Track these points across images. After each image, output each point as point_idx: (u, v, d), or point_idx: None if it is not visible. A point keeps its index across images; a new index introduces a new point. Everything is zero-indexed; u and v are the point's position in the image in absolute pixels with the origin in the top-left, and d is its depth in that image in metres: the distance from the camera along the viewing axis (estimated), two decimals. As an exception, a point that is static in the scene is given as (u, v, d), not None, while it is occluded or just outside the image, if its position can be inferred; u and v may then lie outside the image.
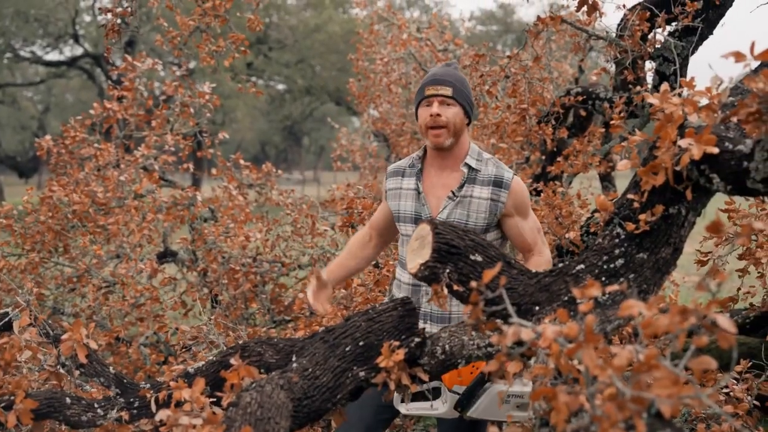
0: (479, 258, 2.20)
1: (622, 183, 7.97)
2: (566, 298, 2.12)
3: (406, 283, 2.92)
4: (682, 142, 1.96)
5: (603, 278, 2.12)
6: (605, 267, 2.13)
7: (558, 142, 5.46)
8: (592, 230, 4.01)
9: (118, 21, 4.50)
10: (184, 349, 3.72)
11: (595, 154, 4.60)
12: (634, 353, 1.49)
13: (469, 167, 2.87)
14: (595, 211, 4.16)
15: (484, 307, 1.69)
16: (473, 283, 1.62)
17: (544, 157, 5.48)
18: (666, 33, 4.29)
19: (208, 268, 5.19)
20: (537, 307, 2.14)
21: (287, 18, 26.08)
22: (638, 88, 5.05)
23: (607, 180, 6.30)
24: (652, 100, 2.14)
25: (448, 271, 2.18)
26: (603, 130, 4.77)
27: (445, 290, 2.20)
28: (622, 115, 4.80)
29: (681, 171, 2.03)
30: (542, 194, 4.09)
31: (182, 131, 6.05)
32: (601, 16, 3.95)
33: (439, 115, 2.79)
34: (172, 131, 5.96)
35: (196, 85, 6.34)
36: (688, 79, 2.17)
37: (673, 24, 4.36)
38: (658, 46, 4.30)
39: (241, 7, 8.77)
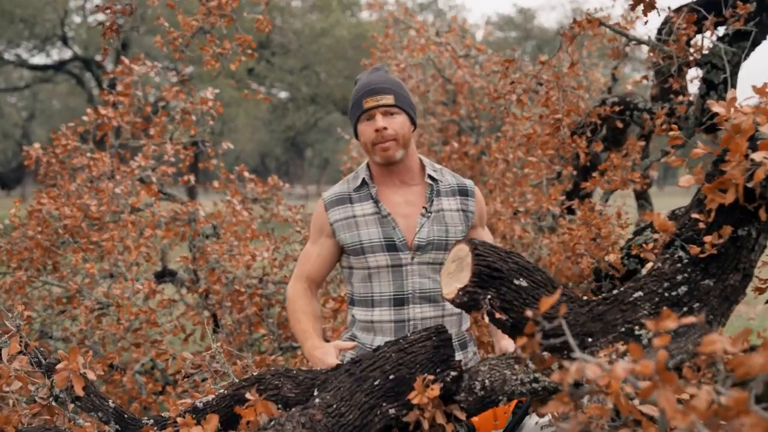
0: (524, 283, 2.13)
1: (659, 202, 7.89)
2: (623, 329, 2.04)
3: (388, 321, 2.76)
4: (756, 156, 1.88)
5: (664, 306, 2.04)
6: (666, 295, 2.05)
7: (591, 156, 5.38)
8: (633, 253, 3.92)
9: (118, 19, 4.45)
10: (185, 378, 3.64)
11: (635, 170, 4.52)
12: (713, 395, 1.41)
13: (432, 178, 2.82)
14: (638, 231, 4.07)
15: (541, 339, 1.60)
16: (528, 312, 1.54)
17: (576, 173, 5.40)
18: (714, 37, 4.22)
19: (211, 289, 5.11)
20: (590, 339, 2.06)
21: (292, 21, 26.16)
22: (680, 97, 4.99)
23: (643, 198, 6.20)
24: (718, 108, 2.06)
25: (489, 297, 2.11)
26: (642, 143, 4.68)
27: (486, 318, 2.12)
28: (664, 126, 4.73)
29: (753, 188, 1.96)
30: (578, 212, 4.01)
31: (182, 140, 6.00)
32: (647, 14, 3.88)
33: (385, 128, 2.70)
34: (171, 140, 5.91)
35: (198, 91, 6.30)
36: (738, 88, 2.10)
37: (722, 28, 4.29)
38: (705, 51, 4.22)
39: (246, 7, 8.75)
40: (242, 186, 6.60)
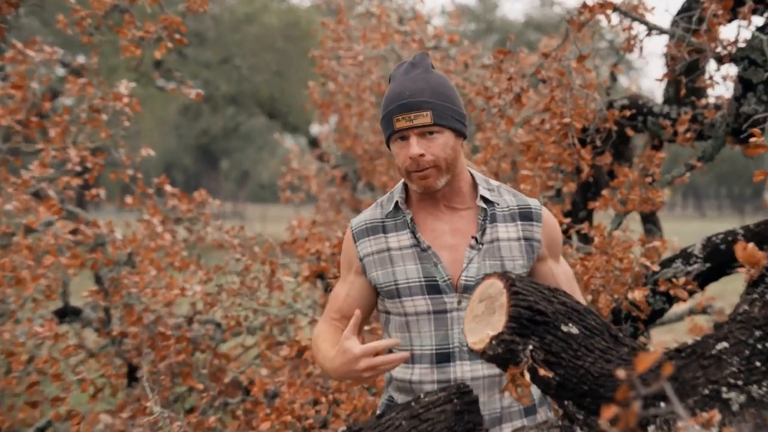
0: (574, 329, 1.98)
1: (669, 226, 7.89)
2: (707, 391, 1.89)
3: (430, 382, 2.57)
4: None
5: (757, 362, 1.91)
6: (759, 347, 1.92)
7: (595, 170, 5.31)
8: (661, 289, 3.82)
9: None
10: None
11: (655, 188, 4.43)
12: None
13: (486, 200, 2.67)
14: (665, 263, 3.97)
15: (641, 409, 1.44)
16: (620, 372, 1.37)
17: (575, 190, 5.31)
18: (753, 27, 4.17)
19: (127, 331, 4.87)
20: (663, 403, 1.91)
21: (209, 5, 25.93)
22: (704, 100, 4.94)
23: (650, 221, 6.14)
24: None
25: (531, 347, 1.95)
26: (662, 155, 4.61)
27: (527, 376, 1.96)
28: (688, 135, 4.66)
29: None
30: (596, 239, 3.89)
31: (88, 145, 5.76)
32: None
33: (422, 155, 2.53)
34: (75, 144, 5.66)
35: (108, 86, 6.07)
36: None
37: (764, 16, 4.25)
38: (741, 44, 4.17)
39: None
40: (162, 202, 6.37)
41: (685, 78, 4.50)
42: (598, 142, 4.56)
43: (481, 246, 2.61)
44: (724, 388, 1.89)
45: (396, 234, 2.65)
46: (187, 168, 54.50)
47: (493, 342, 1.95)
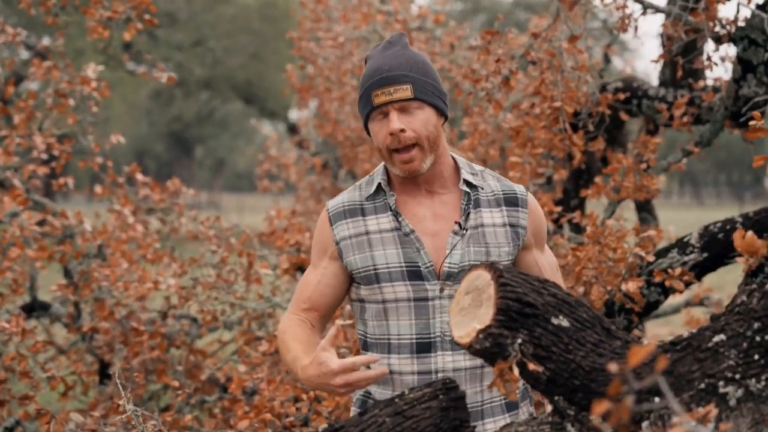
0: (565, 322, 2.00)
1: (665, 215, 7.92)
2: (702, 385, 1.91)
3: (410, 373, 2.59)
4: None
5: (756, 355, 1.93)
6: (758, 339, 1.94)
7: (587, 157, 5.33)
8: (657, 280, 3.85)
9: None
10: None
11: (650, 174, 4.46)
12: None
13: (469, 184, 2.69)
14: (660, 253, 4.00)
15: (633, 404, 1.46)
16: (612, 366, 1.39)
17: (566, 177, 5.33)
18: (753, 5, 4.19)
19: (98, 327, 4.87)
20: (657, 398, 1.93)
21: (181, -17, 25.86)
22: (701, 83, 4.97)
23: (646, 210, 6.18)
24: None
25: (520, 341, 1.96)
26: (658, 140, 4.63)
27: (516, 371, 1.98)
28: (685, 119, 4.69)
29: None
30: (588, 228, 3.91)
31: (55, 132, 5.75)
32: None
33: (402, 130, 2.54)
34: (41, 131, 5.64)
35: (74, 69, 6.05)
36: None
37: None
38: (741, 23, 4.19)
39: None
40: (133, 192, 6.36)
41: (682, 59, 4.51)
42: (591, 127, 4.58)
43: (464, 232, 2.63)
44: (720, 382, 1.91)
45: (375, 217, 2.65)
46: (160, 156, 54.36)
47: (481, 336, 1.96)
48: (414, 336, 2.58)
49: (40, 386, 4.42)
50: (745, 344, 1.95)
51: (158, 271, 5.30)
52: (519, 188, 2.74)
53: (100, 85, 5.72)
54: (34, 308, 5.40)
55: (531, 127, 4.46)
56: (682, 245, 4.00)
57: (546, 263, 2.80)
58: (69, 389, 4.56)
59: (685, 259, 3.95)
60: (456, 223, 2.62)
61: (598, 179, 4.68)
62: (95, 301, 4.99)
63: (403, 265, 2.59)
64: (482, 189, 2.68)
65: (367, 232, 2.64)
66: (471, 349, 2.00)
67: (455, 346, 2.54)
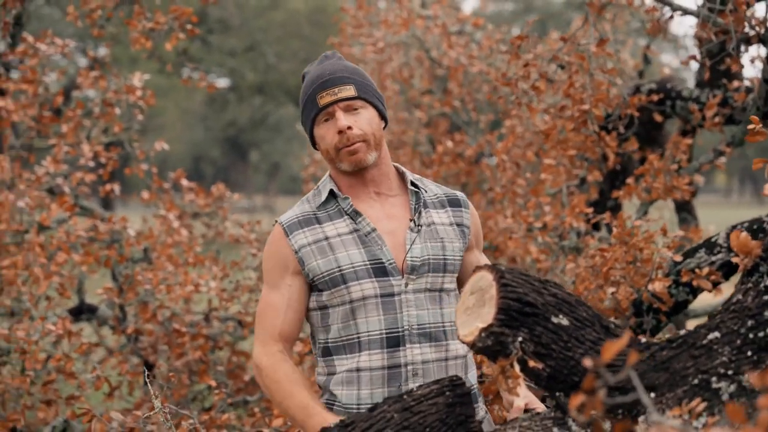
0: (565, 321, 2.07)
1: (724, 214, 7.86)
2: (696, 381, 1.98)
3: (379, 368, 2.65)
4: None
5: (749, 351, 1.99)
6: (751, 336, 2.00)
7: (623, 158, 5.36)
8: (684, 280, 3.88)
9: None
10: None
11: (681, 175, 4.49)
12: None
13: (415, 186, 2.81)
14: (688, 252, 4.03)
15: (606, 397, 1.53)
16: (587, 361, 1.47)
17: (602, 179, 5.37)
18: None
19: (142, 329, 5.01)
20: (652, 394, 2.00)
21: (233, -10, 26.12)
22: (736, 83, 4.98)
23: (685, 210, 6.19)
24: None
25: (520, 339, 2.04)
26: (690, 141, 4.66)
27: (517, 368, 2.06)
28: (717, 120, 4.71)
29: None
30: (614, 229, 3.96)
31: (103, 140, 5.91)
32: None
33: (350, 127, 2.66)
34: (89, 139, 5.81)
35: (122, 77, 6.21)
36: None
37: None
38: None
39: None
40: (179, 197, 6.51)
41: (711, 61, 4.54)
42: (622, 129, 4.62)
43: (419, 228, 2.73)
44: (714, 378, 1.98)
45: (332, 223, 2.71)
46: (216, 160, 54.78)
47: (483, 334, 2.05)
48: (384, 331, 2.64)
49: (85, 386, 4.56)
50: (738, 341, 2.01)
51: (200, 274, 5.43)
52: (459, 193, 2.90)
53: (146, 94, 5.87)
54: (82, 311, 5.56)
55: (563, 129, 4.51)
56: (709, 245, 4.02)
57: (485, 261, 2.92)
58: (114, 389, 4.70)
59: (713, 258, 3.97)
60: (411, 220, 2.72)
61: (630, 180, 4.71)
62: (139, 303, 5.13)
63: (368, 262, 2.66)
64: (426, 192, 2.81)
65: (326, 237, 2.69)
66: (474, 347, 2.08)
67: (422, 339, 2.64)
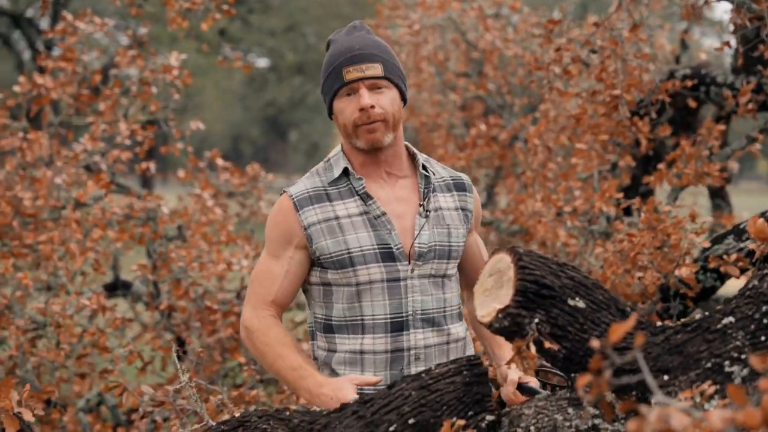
0: (581, 303, 2.10)
1: (739, 201, 7.84)
2: (709, 365, 2.01)
3: (382, 352, 2.69)
4: None
5: (762, 336, 2.02)
6: (765, 321, 2.02)
7: (656, 144, 5.36)
8: (712, 266, 3.89)
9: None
10: (142, 418, 3.61)
11: (712, 160, 4.49)
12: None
13: (425, 169, 2.81)
14: (717, 239, 4.04)
15: (612, 377, 1.57)
16: (594, 342, 1.50)
17: (634, 164, 5.37)
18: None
19: (175, 305, 5.09)
20: (666, 376, 2.03)
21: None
22: (770, 70, 4.95)
23: (719, 196, 6.18)
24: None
25: (537, 321, 2.08)
26: (722, 127, 4.65)
27: (533, 348, 2.09)
28: (750, 106, 4.70)
29: None
30: (642, 214, 3.98)
31: (140, 118, 5.99)
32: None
33: (372, 106, 2.62)
34: (126, 118, 5.89)
35: (158, 56, 6.28)
36: None
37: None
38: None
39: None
40: (214, 176, 6.59)
41: (746, 47, 4.53)
42: (654, 114, 4.62)
43: (428, 213, 2.75)
44: (726, 362, 2.00)
45: (342, 202, 2.71)
46: (255, 140, 54.97)
47: (500, 315, 2.09)
48: (388, 316, 2.68)
49: (119, 361, 4.65)
50: (752, 326, 2.04)
51: (232, 252, 5.50)
52: (464, 176, 2.92)
53: (182, 73, 5.94)
54: (117, 287, 5.66)
55: (595, 113, 4.52)
56: (738, 231, 4.03)
57: (482, 245, 2.97)
58: (147, 365, 4.78)
59: (741, 245, 3.98)
60: (420, 205, 2.74)
61: (661, 166, 4.71)
62: (172, 281, 5.21)
63: (376, 247, 2.67)
64: (434, 175, 2.82)
65: (337, 217, 2.69)
66: (491, 327, 2.12)
67: (425, 324, 2.68)
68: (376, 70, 2.64)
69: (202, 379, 4.75)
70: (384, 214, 2.70)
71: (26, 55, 27.87)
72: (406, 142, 2.85)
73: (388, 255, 2.68)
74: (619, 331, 1.54)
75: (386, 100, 2.64)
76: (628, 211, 5.24)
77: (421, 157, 2.83)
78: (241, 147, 48.86)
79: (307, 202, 2.71)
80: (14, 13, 26.72)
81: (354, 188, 2.72)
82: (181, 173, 6.41)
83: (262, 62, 31.69)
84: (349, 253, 2.67)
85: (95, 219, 5.04)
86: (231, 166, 6.50)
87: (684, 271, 3.83)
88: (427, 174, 2.78)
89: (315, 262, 2.74)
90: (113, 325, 4.70)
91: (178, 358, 5.40)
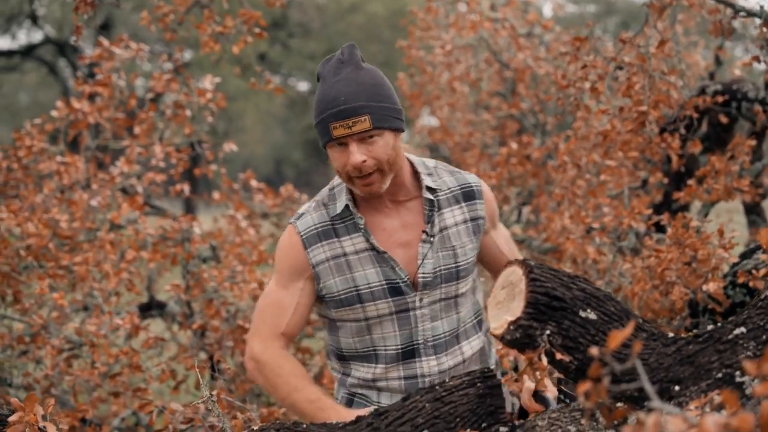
0: (593, 315, 2.12)
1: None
2: (720, 375, 2.01)
3: (396, 379, 2.71)
4: None
5: (772, 347, 2.01)
6: (776, 331, 2.02)
7: (687, 159, 5.34)
8: (740, 281, 3.87)
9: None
10: (173, 437, 3.65)
11: (743, 176, 4.47)
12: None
13: (430, 190, 2.74)
14: (746, 254, 4.02)
15: (609, 385, 1.59)
16: (593, 350, 1.52)
17: (666, 180, 5.36)
18: None
19: (208, 325, 5.14)
20: (677, 387, 2.04)
21: (313, -6, 26.40)
22: (801, 85, 4.93)
23: (754, 212, 6.13)
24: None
25: (548, 333, 2.10)
26: (753, 142, 4.63)
27: (545, 360, 2.11)
28: (780, 122, 4.68)
29: None
30: (669, 230, 3.97)
31: (175, 141, 6.07)
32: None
33: (364, 161, 2.55)
34: (161, 141, 5.97)
35: (194, 81, 6.37)
36: None
37: None
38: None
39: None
40: (249, 197, 6.65)
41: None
42: (683, 130, 4.61)
43: (432, 239, 2.71)
44: (737, 372, 2.01)
45: (349, 237, 2.68)
46: (298, 163, 55.19)
47: (512, 327, 2.11)
48: (399, 346, 2.69)
49: (152, 380, 4.70)
50: (764, 336, 2.04)
51: (264, 272, 5.54)
52: (472, 179, 2.82)
53: (216, 97, 6.01)
54: (151, 307, 5.72)
55: (623, 129, 4.52)
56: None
57: (501, 237, 2.92)
58: (180, 383, 4.83)
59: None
60: (423, 232, 2.69)
61: (691, 182, 4.70)
62: (205, 300, 5.26)
63: (384, 282, 2.66)
64: (440, 189, 2.75)
65: (345, 254, 2.67)
66: (503, 339, 2.14)
67: (438, 350, 2.68)
68: (364, 124, 2.53)
69: (236, 398, 4.80)
70: (385, 252, 2.67)
71: (71, 82, 28.24)
72: (409, 156, 2.79)
73: (395, 290, 2.67)
74: (617, 338, 1.56)
75: (378, 149, 2.56)
76: (659, 227, 5.23)
77: (426, 169, 2.78)
78: (283, 170, 49.06)
79: (315, 239, 2.70)
80: (59, 41, 27.15)
81: (357, 223, 2.70)
82: (216, 195, 6.48)
83: (303, 86, 31.85)
84: (357, 290, 2.67)
85: (129, 240, 5.12)
86: (265, 188, 6.57)
87: (712, 286, 3.81)
88: (431, 197, 2.72)
89: (322, 298, 2.73)
90: (145, 344, 4.75)
91: (212, 377, 5.46)
